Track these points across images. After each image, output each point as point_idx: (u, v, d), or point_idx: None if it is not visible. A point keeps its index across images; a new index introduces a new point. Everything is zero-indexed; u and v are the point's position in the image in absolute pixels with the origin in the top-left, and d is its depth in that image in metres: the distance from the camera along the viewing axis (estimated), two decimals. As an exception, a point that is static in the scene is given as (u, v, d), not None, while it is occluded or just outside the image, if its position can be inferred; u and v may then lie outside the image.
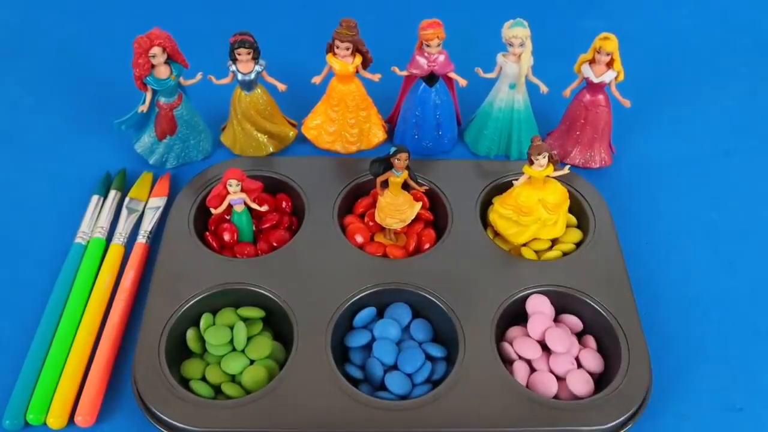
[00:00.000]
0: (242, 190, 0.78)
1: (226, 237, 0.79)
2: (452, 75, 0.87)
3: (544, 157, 0.75)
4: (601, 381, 0.71)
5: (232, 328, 0.72)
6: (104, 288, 0.77)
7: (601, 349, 0.73)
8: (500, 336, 0.73)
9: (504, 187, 0.83)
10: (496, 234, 0.81)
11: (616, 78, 0.84)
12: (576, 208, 0.83)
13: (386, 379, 0.69)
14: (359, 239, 0.80)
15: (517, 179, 0.79)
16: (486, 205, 0.84)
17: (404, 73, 0.87)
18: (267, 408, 0.66)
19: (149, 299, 0.73)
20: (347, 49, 0.83)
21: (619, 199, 0.87)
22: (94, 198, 0.85)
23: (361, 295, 0.74)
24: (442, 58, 0.85)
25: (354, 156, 0.92)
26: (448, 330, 0.73)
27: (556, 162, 0.77)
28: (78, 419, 0.68)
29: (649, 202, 0.89)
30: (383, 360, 0.70)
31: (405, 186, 0.78)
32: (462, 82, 0.87)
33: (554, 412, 0.67)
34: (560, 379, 0.70)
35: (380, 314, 0.75)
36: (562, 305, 0.75)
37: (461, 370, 0.69)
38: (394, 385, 0.69)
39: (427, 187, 0.81)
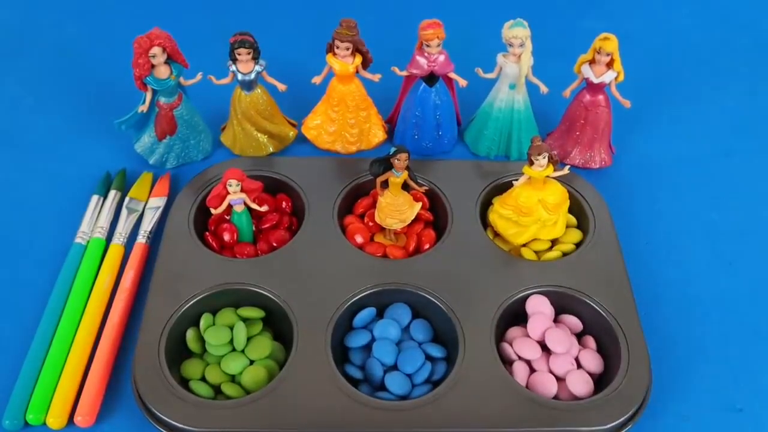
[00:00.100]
0: (242, 190, 0.78)
1: (226, 237, 0.79)
2: (452, 75, 0.87)
3: (544, 158, 0.75)
4: (600, 381, 0.71)
5: (231, 328, 0.72)
6: (104, 288, 0.77)
7: (600, 350, 0.73)
8: (500, 336, 0.73)
9: (504, 187, 0.83)
10: (496, 234, 0.81)
11: (616, 78, 0.84)
12: (576, 208, 0.83)
13: (386, 380, 0.69)
14: (359, 239, 0.80)
15: (517, 179, 0.79)
16: (486, 205, 0.84)
17: (404, 73, 0.87)
18: (267, 408, 0.66)
19: (149, 299, 0.73)
20: (347, 49, 0.83)
21: (619, 199, 0.87)
22: (94, 198, 0.85)
23: (361, 295, 0.74)
24: (442, 58, 0.85)
25: (354, 156, 0.92)
26: (448, 330, 0.73)
27: (556, 162, 0.77)
28: (78, 419, 0.68)
29: (649, 203, 0.89)
30: (383, 360, 0.70)
31: (405, 186, 0.78)
32: (462, 82, 0.87)
33: (554, 412, 0.67)
34: (560, 379, 0.70)
35: (380, 314, 0.75)
36: (561, 306, 0.75)
37: (461, 370, 0.69)
38: (394, 385, 0.69)
39: (427, 188, 0.81)
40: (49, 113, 0.98)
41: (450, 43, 0.85)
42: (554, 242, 0.81)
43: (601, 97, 0.87)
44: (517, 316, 0.75)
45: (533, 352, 0.71)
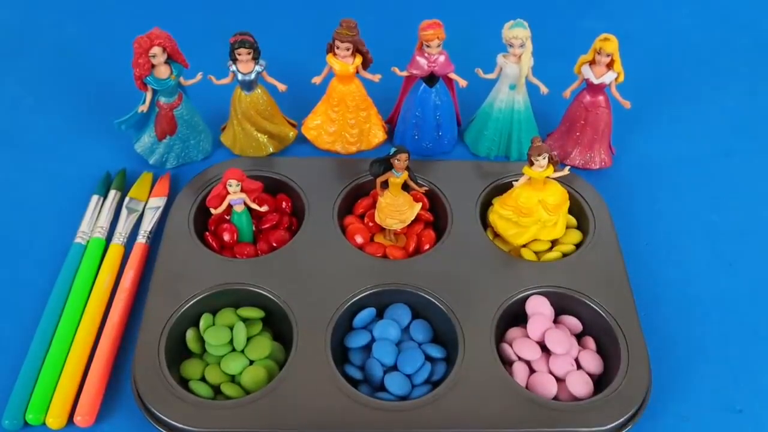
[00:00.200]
0: (242, 191, 0.78)
1: (226, 237, 0.79)
2: (452, 75, 0.87)
3: (544, 158, 0.75)
4: (600, 382, 0.71)
5: (231, 328, 0.72)
6: (104, 288, 0.77)
7: (600, 350, 0.73)
8: (500, 337, 0.73)
9: (504, 188, 0.83)
10: (496, 235, 0.81)
11: (616, 79, 0.84)
12: (576, 209, 0.83)
13: (386, 380, 0.69)
14: (359, 240, 0.80)
15: (517, 180, 0.79)
16: (486, 205, 0.84)
17: (404, 73, 0.87)
18: (266, 408, 0.66)
19: (149, 299, 0.73)
20: (347, 49, 0.83)
21: (619, 200, 0.87)
22: (94, 198, 0.85)
23: (360, 295, 0.74)
24: (442, 58, 0.85)
25: (354, 156, 0.92)
26: (448, 331, 0.73)
27: (556, 163, 0.77)
28: (77, 419, 0.68)
29: (649, 203, 0.89)
30: (383, 361, 0.70)
31: (405, 187, 0.78)
32: (462, 82, 0.87)
33: (554, 413, 0.67)
34: (560, 380, 0.70)
35: (380, 315, 0.75)
36: (561, 306, 0.75)
37: (461, 371, 0.69)
38: (394, 385, 0.69)
39: (426, 188, 0.81)
40: (49, 113, 0.98)
41: (450, 44, 0.85)
42: (554, 243, 0.81)
43: (601, 97, 0.87)
44: (516, 316, 0.75)
45: (533, 353, 0.71)
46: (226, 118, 0.91)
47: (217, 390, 0.69)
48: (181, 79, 0.84)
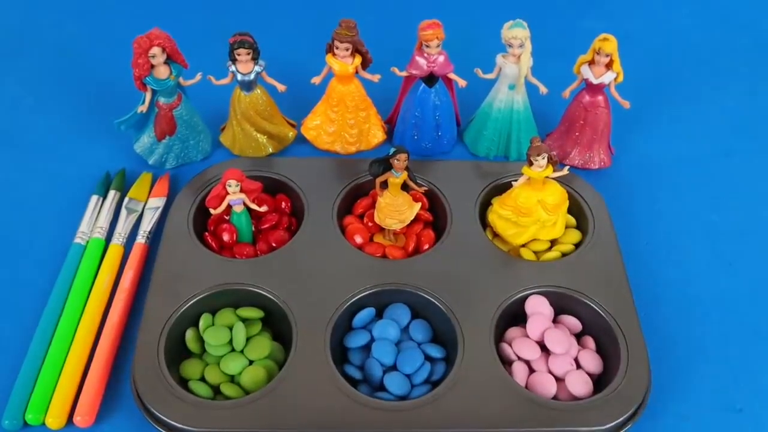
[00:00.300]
0: (241, 191, 0.78)
1: (226, 237, 0.79)
2: (452, 76, 0.87)
3: (544, 158, 0.75)
4: (600, 382, 0.71)
5: (231, 328, 0.72)
6: (103, 288, 0.77)
7: (600, 350, 0.73)
8: (499, 337, 0.73)
9: (503, 187, 0.83)
10: (496, 235, 0.81)
11: (615, 79, 0.84)
12: (575, 209, 0.83)
13: (385, 380, 0.69)
14: (358, 240, 0.80)
15: (516, 180, 0.79)
16: (485, 205, 0.84)
17: (404, 73, 0.87)
18: (266, 408, 0.66)
19: (148, 299, 0.73)
20: (347, 49, 0.83)
21: (618, 199, 0.87)
22: (94, 198, 0.85)
23: (360, 295, 0.74)
24: (441, 58, 0.85)
25: (353, 156, 0.92)
26: (448, 331, 0.73)
27: (556, 163, 0.77)
28: (77, 419, 0.68)
29: (648, 203, 0.89)
30: (382, 360, 0.70)
31: (404, 187, 0.78)
32: (461, 82, 0.87)
33: (553, 412, 0.67)
34: (559, 379, 0.70)
35: (379, 315, 0.75)
36: (561, 306, 0.75)
37: (460, 370, 0.69)
38: (393, 385, 0.69)
39: (426, 188, 0.81)
40: (49, 113, 0.98)
41: (449, 44, 0.85)
42: (553, 243, 0.81)
43: (600, 97, 0.87)
44: (516, 316, 0.75)
45: (532, 353, 0.71)
46: (226, 119, 0.91)
47: (216, 390, 0.69)
48: (181, 80, 0.84)
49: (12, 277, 0.79)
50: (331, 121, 0.90)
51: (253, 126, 0.89)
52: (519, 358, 0.71)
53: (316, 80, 0.87)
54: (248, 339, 0.72)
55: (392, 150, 0.75)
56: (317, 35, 0.88)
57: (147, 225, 0.83)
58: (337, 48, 0.83)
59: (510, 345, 0.72)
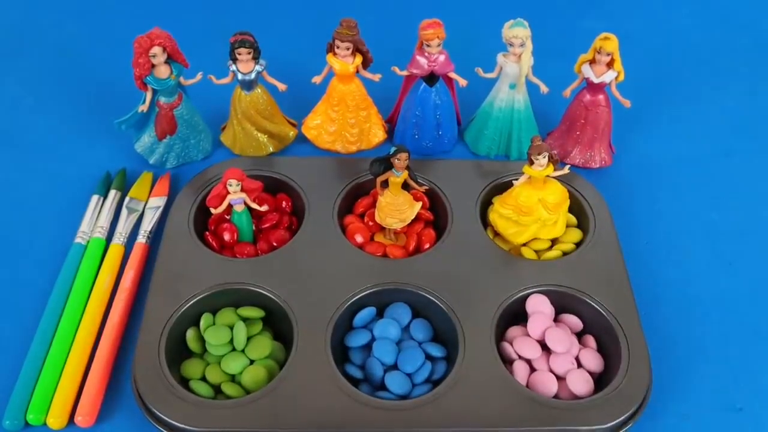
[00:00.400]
0: (242, 190, 0.78)
1: (226, 237, 0.79)
2: (452, 75, 0.87)
3: (544, 157, 0.75)
4: (601, 381, 0.71)
5: (231, 328, 0.72)
6: (104, 288, 0.77)
7: (601, 349, 0.73)
8: (500, 336, 0.73)
9: (504, 186, 0.83)
10: (496, 234, 0.81)
11: (616, 78, 0.84)
12: (576, 208, 0.83)
13: (386, 379, 0.69)
14: (359, 239, 0.80)
15: (517, 179, 0.79)
16: (486, 204, 0.84)
17: (404, 73, 0.87)
18: (267, 408, 0.66)
19: (149, 299, 0.73)
20: (347, 48, 0.84)
21: (619, 199, 0.87)
22: (94, 198, 0.85)
23: (361, 294, 0.74)
24: (442, 58, 0.85)
25: (354, 156, 0.92)
26: (448, 330, 0.73)
27: (556, 162, 0.77)
28: (78, 419, 0.68)
29: (649, 202, 0.89)
30: (383, 360, 0.70)
31: (405, 186, 0.78)
32: (462, 82, 0.87)
33: (554, 411, 0.67)
34: (560, 378, 0.70)
35: (380, 314, 0.75)
36: (562, 305, 0.75)
37: (461, 369, 0.69)
38: (394, 384, 0.69)
39: (427, 187, 0.81)
40: (49, 113, 0.98)
41: (450, 43, 0.85)
42: (554, 242, 0.81)
43: (601, 96, 0.87)
44: (517, 315, 0.74)
45: (533, 352, 0.71)
46: (226, 118, 0.91)
47: (217, 390, 0.69)
48: (181, 79, 0.84)
49: (12, 277, 0.79)
50: (332, 120, 0.90)
51: (254, 125, 0.89)
52: (520, 357, 0.71)
53: (317, 80, 0.87)
54: (249, 338, 0.71)
55: (393, 149, 0.75)
56: (318, 35, 0.88)
57: (148, 225, 0.82)
58: (337, 47, 0.84)
59: (511, 344, 0.72)
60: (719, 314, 0.78)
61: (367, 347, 0.72)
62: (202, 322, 0.72)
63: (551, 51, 0.92)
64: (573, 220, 0.83)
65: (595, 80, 0.85)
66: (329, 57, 0.85)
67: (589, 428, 0.66)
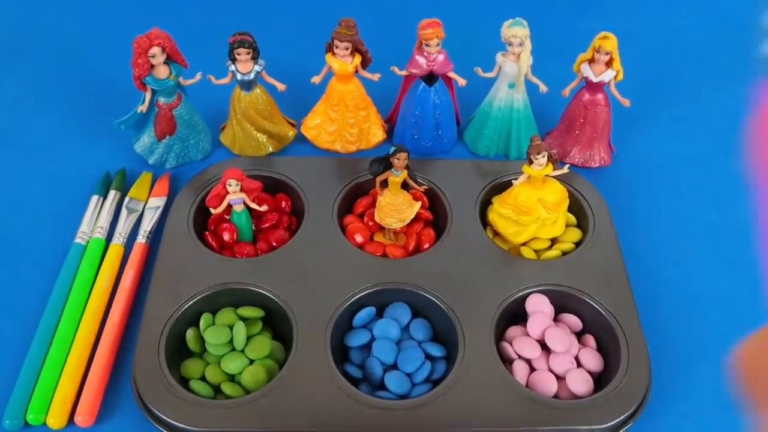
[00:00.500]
0: (242, 190, 0.78)
1: (226, 237, 0.79)
2: (451, 74, 0.87)
3: (544, 157, 0.75)
4: (600, 380, 0.71)
5: (231, 327, 0.72)
6: (104, 288, 0.77)
7: (600, 349, 0.73)
8: (500, 335, 0.73)
9: (503, 186, 0.83)
10: (496, 233, 0.81)
11: (615, 77, 0.84)
12: (575, 207, 0.83)
13: (386, 379, 0.69)
14: (359, 239, 0.80)
15: (516, 179, 0.79)
16: (485, 204, 0.84)
17: (403, 72, 0.87)
18: (267, 407, 0.66)
19: (149, 299, 0.73)
20: (346, 48, 0.84)
21: (618, 198, 0.87)
22: (94, 198, 0.85)
23: (360, 294, 0.74)
24: (441, 57, 0.85)
25: (353, 156, 0.92)
26: (448, 329, 0.73)
27: (556, 161, 0.77)
28: (78, 419, 0.68)
29: (648, 202, 0.89)
30: (383, 359, 0.70)
31: (404, 185, 0.78)
32: (461, 81, 0.87)
33: (554, 411, 0.67)
34: (560, 378, 0.70)
35: (380, 314, 0.75)
36: (561, 304, 0.75)
37: (461, 369, 0.69)
38: (394, 384, 0.69)
39: (426, 187, 0.81)
40: (49, 113, 0.98)
41: (449, 43, 0.85)
42: (554, 241, 0.81)
43: (600, 96, 0.87)
44: (516, 315, 0.74)
45: (533, 351, 0.71)
46: (226, 118, 0.91)
47: (217, 389, 0.69)
48: (181, 79, 0.84)
49: (12, 277, 0.79)
50: (331, 120, 0.90)
51: (253, 125, 0.89)
52: (520, 357, 0.71)
53: (316, 79, 0.87)
54: (249, 338, 0.71)
55: (392, 149, 0.75)
56: (317, 35, 0.88)
57: (147, 225, 0.82)
58: (336, 47, 0.84)
59: (510, 344, 0.72)
60: (719, 314, 0.78)
61: (367, 347, 0.72)
62: (201, 322, 0.72)
63: (550, 50, 0.92)
64: (572, 219, 0.83)
65: (594, 79, 0.85)
66: (328, 57, 0.85)
67: (588, 428, 0.66)
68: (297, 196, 0.84)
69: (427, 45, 0.84)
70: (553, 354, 0.71)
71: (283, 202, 0.84)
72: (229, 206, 0.79)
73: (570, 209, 0.81)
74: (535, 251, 0.80)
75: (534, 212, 0.77)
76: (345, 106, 0.89)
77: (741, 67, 1.08)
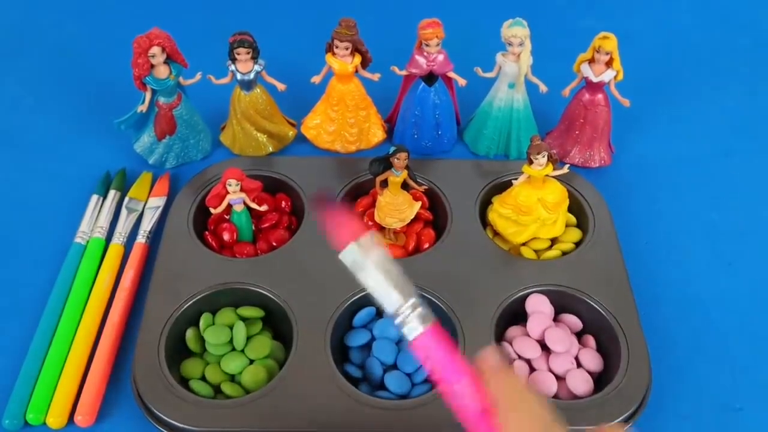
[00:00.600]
0: (242, 190, 0.78)
1: (226, 237, 0.79)
2: (451, 74, 0.87)
3: (544, 157, 0.75)
4: (600, 380, 0.71)
5: (231, 327, 0.72)
6: (104, 288, 0.77)
7: (600, 349, 0.73)
8: (500, 335, 0.73)
9: (503, 186, 0.83)
10: (496, 233, 0.81)
11: (615, 77, 0.84)
12: (575, 207, 0.83)
13: (386, 379, 0.69)
14: (359, 239, 0.80)
15: (516, 179, 0.79)
16: (485, 204, 0.84)
17: (403, 72, 0.87)
18: (266, 408, 0.66)
19: (149, 299, 0.73)
20: (346, 48, 0.84)
21: (618, 198, 0.87)
22: (94, 198, 0.85)
23: (360, 294, 0.74)
24: (441, 57, 0.85)
25: (353, 155, 0.92)
26: (448, 330, 0.72)
27: (556, 161, 0.77)
28: (78, 419, 0.68)
29: (648, 202, 0.88)
30: (383, 359, 0.70)
31: (404, 185, 0.78)
32: (461, 81, 0.87)
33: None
34: (560, 378, 0.70)
35: (380, 314, 0.75)
36: (561, 305, 0.75)
37: (461, 369, 0.69)
38: (394, 384, 0.69)
39: (426, 187, 0.81)
40: (49, 113, 0.98)
41: (449, 43, 0.85)
42: (554, 241, 0.81)
43: (600, 96, 0.87)
44: (516, 315, 0.74)
45: (533, 351, 0.71)
46: (226, 118, 0.91)
47: (217, 389, 0.69)
48: (181, 79, 0.84)
49: (12, 277, 0.79)
50: (331, 120, 0.90)
51: (253, 125, 0.89)
52: (519, 357, 0.71)
53: (316, 79, 0.87)
54: (249, 338, 0.71)
55: (392, 149, 0.75)
56: (317, 35, 0.88)
57: (147, 224, 0.82)
58: (336, 47, 0.84)
59: (510, 344, 0.72)
60: (719, 314, 0.78)
61: (367, 347, 0.72)
62: (201, 322, 0.72)
63: (550, 50, 0.92)
64: (572, 219, 0.83)
65: (594, 79, 0.85)
66: (328, 57, 0.85)
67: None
68: (297, 196, 0.84)
69: (427, 45, 0.84)
70: (553, 354, 0.71)
71: (283, 202, 0.84)
72: (229, 206, 0.79)
73: (570, 209, 0.81)
74: (535, 251, 0.80)
75: (534, 212, 0.77)
76: (345, 106, 0.89)
77: (741, 67, 1.08)
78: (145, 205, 0.85)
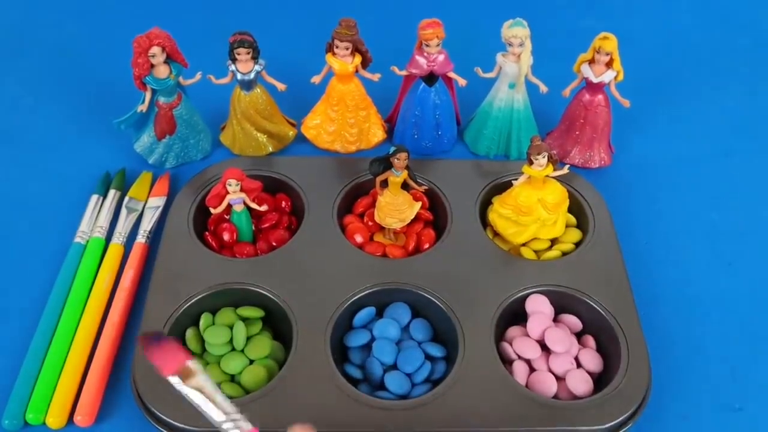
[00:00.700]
0: (242, 190, 0.78)
1: (226, 237, 0.79)
2: (452, 75, 0.87)
3: (544, 157, 0.75)
4: (600, 381, 0.71)
5: (231, 327, 0.72)
6: (104, 287, 0.77)
7: (600, 349, 0.73)
8: (500, 336, 0.73)
9: (503, 186, 0.83)
10: (496, 234, 0.81)
11: (615, 78, 0.84)
12: (575, 207, 0.83)
13: (386, 379, 0.69)
14: (359, 239, 0.80)
15: (516, 179, 0.79)
16: (485, 204, 0.84)
17: (404, 72, 0.87)
18: (266, 407, 0.66)
19: (149, 299, 0.73)
20: (347, 48, 0.84)
21: (618, 198, 0.87)
22: (94, 197, 0.85)
23: (360, 294, 0.74)
24: (441, 57, 0.85)
25: (353, 156, 0.92)
26: (448, 330, 0.73)
27: (556, 162, 0.77)
28: (77, 419, 0.68)
29: (648, 202, 0.89)
30: (383, 360, 0.70)
31: (404, 186, 0.78)
32: (461, 81, 0.87)
33: (553, 411, 0.67)
34: (560, 378, 0.70)
35: (380, 314, 0.75)
36: (561, 305, 0.75)
37: (461, 369, 0.69)
38: (394, 384, 0.69)
39: (426, 187, 0.81)
40: (49, 113, 0.98)
41: (449, 43, 0.85)
42: (554, 242, 0.81)
43: (600, 96, 0.87)
44: (516, 315, 0.74)
45: (533, 352, 0.71)
46: (226, 118, 0.91)
47: (216, 389, 0.69)
48: (181, 79, 0.84)
49: (12, 277, 0.79)
50: (331, 120, 0.90)
51: (253, 125, 0.89)
52: (519, 357, 0.71)
53: (316, 79, 0.87)
54: (248, 338, 0.71)
55: (392, 149, 0.75)
56: (317, 34, 0.88)
57: (147, 224, 0.82)
58: (336, 47, 0.84)
59: (510, 344, 0.72)
60: (719, 314, 0.78)
61: (367, 347, 0.72)
62: (201, 322, 0.72)
63: (550, 50, 0.92)
64: (572, 220, 0.83)
65: (594, 80, 0.85)
66: (328, 57, 0.85)
67: (588, 428, 0.66)
68: (297, 196, 0.84)
69: (428, 45, 0.84)
70: (552, 354, 0.71)
71: (283, 202, 0.84)
72: (229, 206, 0.79)
73: (570, 210, 0.81)
74: (535, 251, 0.80)
75: (534, 213, 0.77)
76: (345, 106, 0.89)
77: (741, 67, 1.08)
78: (145, 205, 0.85)
